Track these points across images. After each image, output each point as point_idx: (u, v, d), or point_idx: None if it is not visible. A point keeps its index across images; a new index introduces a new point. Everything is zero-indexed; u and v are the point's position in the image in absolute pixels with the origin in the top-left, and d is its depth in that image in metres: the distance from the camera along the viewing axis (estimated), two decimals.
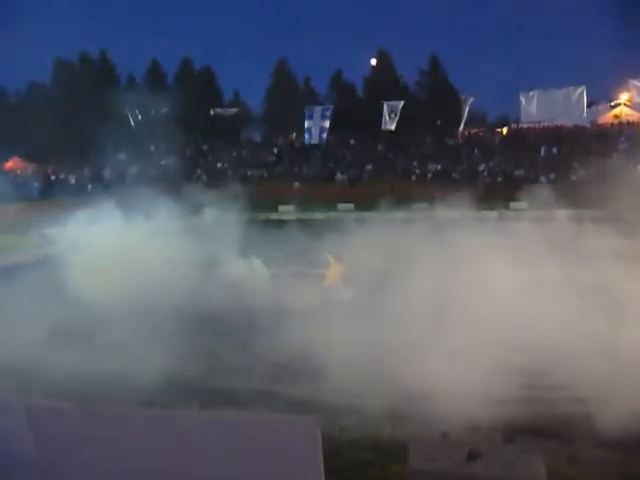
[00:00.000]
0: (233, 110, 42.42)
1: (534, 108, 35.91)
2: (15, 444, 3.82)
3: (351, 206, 27.87)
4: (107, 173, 35.47)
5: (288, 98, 40.61)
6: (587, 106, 35.34)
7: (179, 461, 3.57)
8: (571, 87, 34.63)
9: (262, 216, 26.60)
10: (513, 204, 25.64)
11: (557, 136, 34.89)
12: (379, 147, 37.63)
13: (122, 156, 37.90)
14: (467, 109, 38.06)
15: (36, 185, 32.89)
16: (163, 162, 37.08)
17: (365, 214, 22.20)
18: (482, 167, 33.28)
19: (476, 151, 35.51)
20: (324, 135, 37.33)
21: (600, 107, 39.41)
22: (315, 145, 38.52)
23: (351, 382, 6.96)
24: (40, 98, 42.69)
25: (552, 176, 29.15)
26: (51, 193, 30.24)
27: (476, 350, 7.65)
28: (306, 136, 37.78)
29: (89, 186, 31.99)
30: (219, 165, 38.29)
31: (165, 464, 3.63)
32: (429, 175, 32.64)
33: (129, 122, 38.93)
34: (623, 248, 13.70)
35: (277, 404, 6.88)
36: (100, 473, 3.72)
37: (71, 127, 36.35)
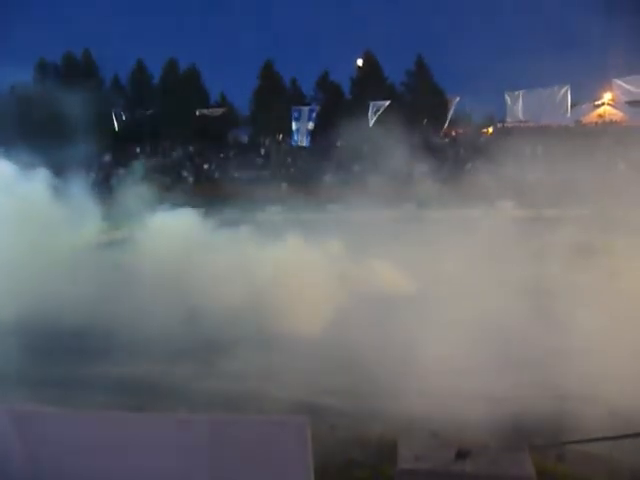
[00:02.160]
0: (219, 111, 42.31)
1: (519, 108, 36.19)
2: (3, 450, 3.77)
3: (339, 207, 27.91)
4: (92, 175, 35.22)
5: (275, 99, 40.58)
6: (571, 106, 35.66)
7: (168, 462, 3.55)
8: (556, 87, 34.93)
9: (250, 216, 26.54)
10: (499, 203, 25.85)
11: (542, 135, 35.16)
12: (365, 148, 37.68)
13: (107, 158, 37.69)
14: (453, 109, 38.29)
15: None
16: (149, 164, 36.90)
17: (354, 214, 22.23)
18: (468, 166, 33.45)
19: (462, 151, 35.71)
20: (309, 137, 37.40)
21: (584, 107, 39.82)
22: (302, 146, 38.51)
23: None
24: (23, 100, 42.29)
25: (537, 175, 29.39)
26: None
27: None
28: (294, 138, 37.81)
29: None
30: (206, 166, 38.19)
31: (152, 466, 3.60)
32: (415, 175, 32.77)
33: (114, 124, 38.71)
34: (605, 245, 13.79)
35: None
36: (86, 478, 3.68)
37: (54, 129, 36.08)
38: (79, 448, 3.63)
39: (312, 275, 10.92)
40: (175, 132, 41.21)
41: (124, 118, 39.61)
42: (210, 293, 10.57)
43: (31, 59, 46.72)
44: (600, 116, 38.00)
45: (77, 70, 45.36)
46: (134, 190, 15.64)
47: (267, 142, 41.36)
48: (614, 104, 37.18)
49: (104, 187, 21.95)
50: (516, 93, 36.40)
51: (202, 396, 7.51)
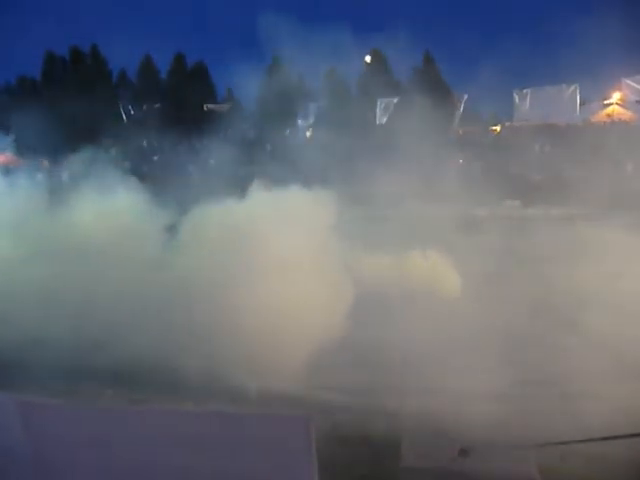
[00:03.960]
0: (226, 106, 42.35)
1: (527, 106, 36.05)
2: (7, 442, 3.79)
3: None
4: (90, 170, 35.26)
5: (281, 95, 40.60)
6: (580, 104, 35.48)
7: (171, 457, 3.56)
8: (564, 85, 34.77)
9: None
10: (506, 202, 25.76)
11: (550, 134, 35.01)
12: (372, 144, 37.64)
13: (113, 152, 37.75)
14: (461, 107, 38.18)
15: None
16: (155, 158, 37.00)
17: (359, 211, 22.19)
18: (476, 165, 33.34)
19: (470, 149, 35.59)
20: (316, 133, 37.43)
21: (593, 106, 39.60)
22: (308, 142, 38.52)
23: None
24: (31, 93, 42.46)
25: (545, 174, 29.26)
26: None
27: None
28: (300, 134, 37.82)
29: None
30: (211, 162, 38.21)
31: (157, 460, 3.61)
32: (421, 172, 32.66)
33: (121, 118, 38.79)
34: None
35: None
36: (94, 470, 3.70)
37: (62, 122, 36.21)
38: (85, 441, 3.64)
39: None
40: (182, 127, 41.29)
41: (132, 112, 39.71)
42: None
43: (39, 52, 46.91)
44: (609, 115, 37.77)
45: (84, 64, 45.54)
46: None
47: (273, 138, 41.36)
48: (623, 103, 36.97)
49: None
50: (524, 91, 36.26)
51: None
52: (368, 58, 43.08)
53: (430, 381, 7.08)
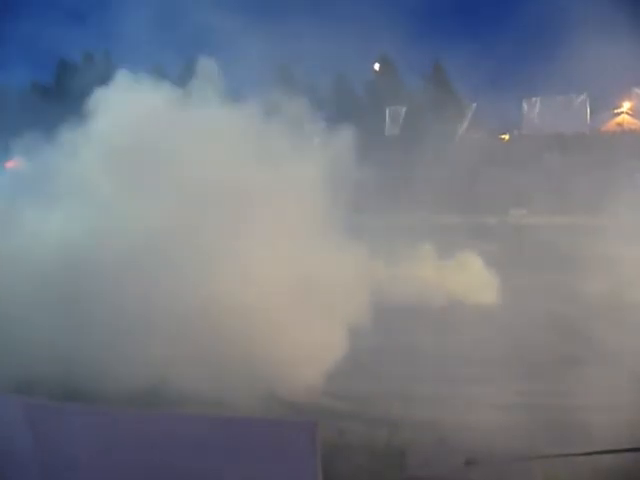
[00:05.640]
0: None
1: (536, 115, 35.92)
2: (12, 443, 3.82)
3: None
4: None
5: (290, 102, 40.69)
6: (590, 114, 35.33)
7: (175, 462, 3.57)
8: (573, 94, 34.65)
9: None
10: (513, 211, 25.71)
11: (559, 143, 34.86)
12: (380, 152, 37.62)
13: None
14: (470, 115, 38.09)
15: None
16: None
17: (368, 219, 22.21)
18: (484, 173, 33.22)
19: (478, 157, 35.47)
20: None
21: (603, 115, 39.43)
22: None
23: None
24: (42, 98, 42.71)
25: (553, 183, 29.13)
26: None
27: None
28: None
29: None
30: None
31: (161, 465, 3.63)
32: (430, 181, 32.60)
33: None
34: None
35: None
36: (98, 473, 3.72)
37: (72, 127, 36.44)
38: (91, 443, 3.66)
39: None
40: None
41: None
42: None
43: (52, 57, 47.24)
44: (619, 124, 37.58)
45: (96, 69, 45.81)
46: None
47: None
48: (633, 113, 36.79)
49: None
50: (533, 100, 36.15)
51: None
52: (377, 66, 43.07)
53: (438, 389, 7.07)
